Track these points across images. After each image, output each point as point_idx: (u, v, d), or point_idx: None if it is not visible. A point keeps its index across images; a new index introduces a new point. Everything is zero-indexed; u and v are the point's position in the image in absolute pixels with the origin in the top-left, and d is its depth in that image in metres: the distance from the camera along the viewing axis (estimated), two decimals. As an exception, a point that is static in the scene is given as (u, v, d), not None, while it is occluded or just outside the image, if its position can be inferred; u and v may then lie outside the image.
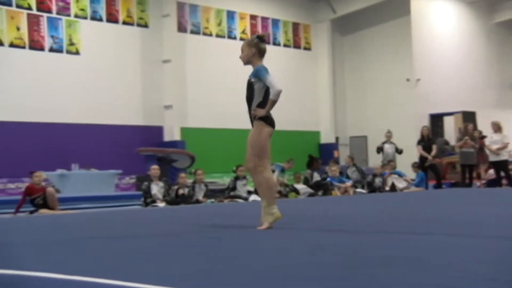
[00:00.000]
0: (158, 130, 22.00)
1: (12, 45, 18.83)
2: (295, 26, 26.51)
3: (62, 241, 5.52)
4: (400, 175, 16.88)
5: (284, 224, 5.94)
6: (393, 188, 16.36)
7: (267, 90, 6.09)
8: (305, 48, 26.83)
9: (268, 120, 6.13)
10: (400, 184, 16.41)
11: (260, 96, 6.11)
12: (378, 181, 16.52)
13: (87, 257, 4.24)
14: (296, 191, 15.47)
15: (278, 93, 6.03)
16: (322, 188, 15.90)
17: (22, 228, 7.29)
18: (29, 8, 19.25)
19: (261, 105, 6.07)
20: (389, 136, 17.76)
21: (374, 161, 21.20)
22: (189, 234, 5.73)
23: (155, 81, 21.83)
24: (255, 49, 6.19)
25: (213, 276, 3.25)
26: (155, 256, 4.19)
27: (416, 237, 5.08)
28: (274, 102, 6.05)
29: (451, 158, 21.15)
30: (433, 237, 5.00)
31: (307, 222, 7.01)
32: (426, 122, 23.83)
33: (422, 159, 16.75)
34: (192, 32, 23.09)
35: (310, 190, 15.69)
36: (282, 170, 16.00)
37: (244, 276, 3.20)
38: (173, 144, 21.07)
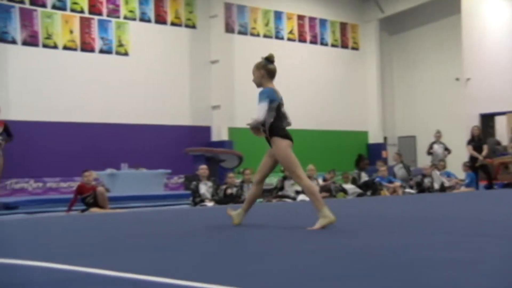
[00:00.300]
0: (206, 130, 22.13)
1: (65, 47, 19.21)
2: (343, 26, 26.36)
3: (114, 238, 5.60)
4: (449, 175, 16.64)
5: (334, 225, 5.91)
6: (443, 188, 16.13)
7: (278, 109, 6.24)
8: (353, 48, 26.65)
9: (282, 133, 6.25)
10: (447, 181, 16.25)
11: (271, 117, 6.24)
12: (427, 181, 16.32)
13: (141, 255, 4.29)
14: (345, 191, 15.38)
15: (255, 123, 6.19)
16: (370, 188, 15.78)
17: (75, 226, 7.41)
18: (82, 11, 19.61)
19: (274, 124, 6.22)
20: (438, 136, 17.53)
21: (423, 161, 20.94)
22: (239, 234, 5.75)
23: (203, 81, 21.97)
24: (264, 71, 6.40)
25: (267, 276, 3.26)
26: (207, 254, 4.22)
27: (466, 238, 5.00)
28: (254, 125, 6.23)
29: (503, 158, 20.71)
30: (485, 239, 4.91)
31: (357, 223, 6.97)
32: (476, 122, 23.39)
33: (473, 159, 16.48)
34: (240, 32, 23.17)
35: (358, 190, 15.58)
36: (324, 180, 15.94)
37: (295, 277, 3.20)
38: (220, 144, 21.17)
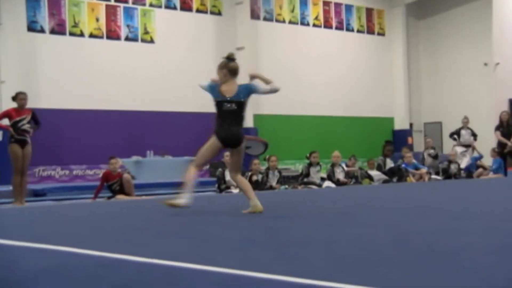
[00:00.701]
0: (231, 117, 22.12)
1: (91, 35, 19.31)
2: (369, 11, 26.14)
3: (141, 225, 5.63)
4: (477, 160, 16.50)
5: (365, 210, 5.89)
6: (470, 174, 16.00)
7: (217, 106, 6.53)
8: (379, 34, 26.43)
9: (216, 130, 6.59)
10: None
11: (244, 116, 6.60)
12: (453, 167, 16.19)
13: (172, 242, 4.31)
14: (370, 178, 15.32)
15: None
16: (396, 174, 15.70)
17: (103, 212, 7.46)
18: (108, -1, 19.71)
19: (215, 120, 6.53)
20: (465, 122, 17.38)
21: (449, 147, 20.76)
22: (271, 220, 5.74)
23: (229, 68, 21.92)
24: (225, 70, 6.47)
25: (314, 262, 3.25)
26: (242, 241, 4.23)
27: (499, 224, 4.96)
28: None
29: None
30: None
31: (389, 208, 6.93)
32: (505, 107, 23.09)
33: (501, 145, 16.30)
34: (265, 19, 23.10)
35: (384, 177, 15.51)
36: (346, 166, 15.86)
37: (340, 262, 3.19)
38: (245, 131, 21.11)
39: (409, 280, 2.58)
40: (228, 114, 6.43)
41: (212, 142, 6.51)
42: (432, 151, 17.18)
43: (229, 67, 6.50)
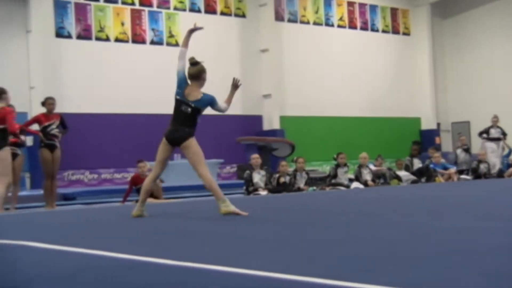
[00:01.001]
0: (257, 119, 22.16)
1: (117, 40, 19.47)
2: (394, 11, 26.00)
3: (173, 228, 5.65)
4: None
5: (398, 209, 5.85)
6: (501, 173, 15.82)
7: (176, 104, 6.74)
8: (404, 34, 26.27)
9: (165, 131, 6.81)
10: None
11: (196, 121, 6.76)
12: (483, 167, 16.02)
13: (200, 243, 4.32)
14: (399, 178, 15.23)
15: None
16: (425, 174, 15.58)
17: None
18: (133, 3, 19.82)
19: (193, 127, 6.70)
20: (495, 120, 17.21)
21: (478, 147, 20.56)
22: (301, 221, 5.74)
23: (254, 70, 21.97)
24: (188, 73, 6.71)
25: (350, 261, 3.24)
26: (277, 242, 4.22)
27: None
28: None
29: None
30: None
31: (421, 208, 6.88)
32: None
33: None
34: (290, 20, 23.07)
35: (412, 177, 15.40)
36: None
37: (353, 264, 3.17)
38: (272, 132, 21.16)
39: (432, 281, 2.55)
40: (182, 115, 6.61)
41: (162, 142, 6.76)
42: (466, 147, 17.04)
43: (188, 71, 6.71)
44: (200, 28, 6.88)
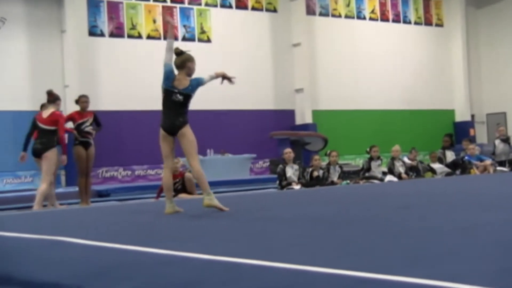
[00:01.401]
0: (290, 113, 22.11)
1: (149, 37, 19.58)
2: (426, 2, 25.69)
3: (204, 223, 5.65)
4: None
5: (429, 204, 5.78)
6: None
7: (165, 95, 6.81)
8: (437, 25, 25.95)
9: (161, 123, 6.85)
10: None
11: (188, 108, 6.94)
12: (520, 158, 15.79)
13: (231, 238, 4.31)
14: (433, 171, 15.07)
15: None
16: (459, 167, 15.39)
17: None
18: (164, 1, 19.92)
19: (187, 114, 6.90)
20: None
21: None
22: (335, 215, 5.70)
23: (286, 65, 21.92)
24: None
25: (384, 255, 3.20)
26: (314, 237, 4.20)
27: None
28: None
29: None
30: None
31: (450, 202, 6.79)
32: None
33: None
34: (321, 14, 22.95)
35: (447, 170, 15.23)
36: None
37: (397, 257, 3.14)
38: (304, 127, 21.10)
39: (477, 273, 2.50)
40: (175, 104, 6.74)
41: (161, 135, 6.82)
42: (505, 137, 16.76)
43: (174, 62, 6.86)
44: (172, 23, 7.15)
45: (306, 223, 5.05)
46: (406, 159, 15.01)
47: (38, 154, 9.77)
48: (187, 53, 6.94)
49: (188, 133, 6.74)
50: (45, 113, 9.93)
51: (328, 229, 4.53)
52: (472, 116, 26.35)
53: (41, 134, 9.81)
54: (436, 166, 15.43)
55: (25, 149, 9.94)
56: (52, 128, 9.77)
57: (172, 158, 6.92)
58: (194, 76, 6.96)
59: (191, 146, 6.73)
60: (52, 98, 10.10)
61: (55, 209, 9.98)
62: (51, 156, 9.71)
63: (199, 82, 6.87)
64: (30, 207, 11.54)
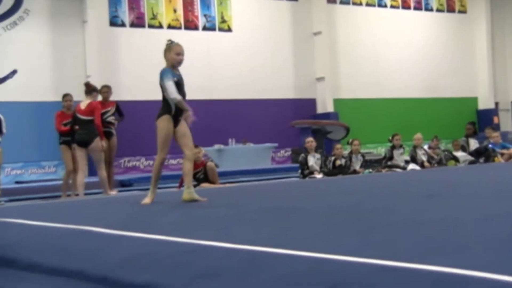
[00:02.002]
0: (311, 102, 22.06)
1: (169, 26, 19.62)
2: (449, -11, 25.46)
3: (226, 212, 5.67)
4: None
5: (452, 193, 5.74)
6: None
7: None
8: (460, 11, 25.70)
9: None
10: None
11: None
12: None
13: (253, 226, 4.32)
14: (456, 159, 14.95)
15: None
16: (483, 155, 15.25)
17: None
18: (185, -10, 19.97)
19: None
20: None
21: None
22: (360, 203, 5.69)
23: (307, 53, 21.86)
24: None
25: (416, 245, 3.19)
26: (336, 225, 4.19)
27: None
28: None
29: None
30: None
31: (473, 190, 6.73)
32: None
33: None
34: (342, 2, 22.84)
35: (470, 158, 15.11)
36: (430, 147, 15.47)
37: (420, 245, 3.12)
38: (326, 116, 21.05)
39: (501, 263, 2.48)
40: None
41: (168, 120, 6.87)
42: None
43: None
44: None
45: (328, 212, 5.04)
46: (426, 148, 14.91)
47: (84, 143, 10.17)
48: (167, 44, 7.16)
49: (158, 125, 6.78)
50: (83, 105, 10.34)
51: (351, 217, 4.51)
52: (496, 103, 26.10)
53: (83, 125, 10.23)
54: (459, 154, 15.32)
55: (73, 141, 10.49)
56: (91, 118, 10.17)
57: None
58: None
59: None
60: (89, 89, 10.50)
61: (79, 198, 10.06)
62: (97, 145, 10.14)
63: (161, 76, 6.86)
64: (54, 196, 11.70)
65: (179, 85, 6.81)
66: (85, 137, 10.16)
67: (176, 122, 6.84)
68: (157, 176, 6.91)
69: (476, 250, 2.78)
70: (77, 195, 10.74)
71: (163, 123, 6.75)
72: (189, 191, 6.58)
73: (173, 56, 6.84)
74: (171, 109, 6.77)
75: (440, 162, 14.65)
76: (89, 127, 10.15)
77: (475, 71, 25.72)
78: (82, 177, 10.34)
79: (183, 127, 6.99)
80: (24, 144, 17.43)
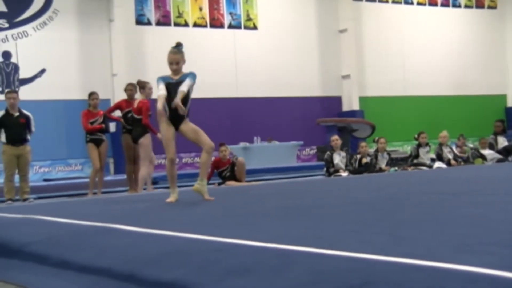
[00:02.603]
0: (337, 100, 22.00)
1: (195, 25, 19.68)
2: (477, -16, 25.20)
3: (254, 210, 5.68)
4: None
5: (479, 191, 5.69)
6: None
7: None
8: (489, 7, 25.41)
9: None
10: None
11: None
12: None
13: (283, 224, 4.32)
14: (483, 157, 14.81)
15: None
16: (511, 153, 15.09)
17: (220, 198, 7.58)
18: (210, -12, 20.02)
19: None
20: None
21: None
22: (385, 201, 5.67)
23: (332, 51, 21.80)
24: (182, 54, 7.29)
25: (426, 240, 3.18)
26: (364, 223, 4.18)
27: None
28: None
29: None
30: None
31: (502, 189, 6.67)
32: None
33: None
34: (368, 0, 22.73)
35: (498, 156, 14.95)
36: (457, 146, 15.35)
37: (450, 244, 3.10)
38: (352, 113, 20.98)
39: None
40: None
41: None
42: None
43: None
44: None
45: (356, 210, 5.02)
46: (453, 147, 14.80)
47: (134, 140, 10.53)
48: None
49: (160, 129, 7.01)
50: (135, 103, 10.68)
51: (379, 215, 4.50)
52: (526, 101, 25.80)
53: (135, 123, 10.52)
54: (486, 152, 15.17)
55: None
56: (141, 116, 10.44)
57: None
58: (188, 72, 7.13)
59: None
60: (140, 86, 10.93)
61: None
62: (146, 142, 10.41)
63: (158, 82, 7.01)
64: (80, 194, 11.81)
65: (170, 88, 6.97)
66: (136, 134, 10.50)
67: (176, 123, 6.85)
68: (172, 175, 6.94)
69: (507, 250, 2.75)
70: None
71: (162, 126, 6.96)
72: (201, 184, 6.70)
73: (170, 59, 7.22)
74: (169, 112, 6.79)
75: (467, 160, 14.53)
76: (140, 124, 10.45)
77: (505, 68, 25.43)
78: (145, 173, 10.57)
79: (187, 125, 7.13)
80: (52, 142, 17.62)
